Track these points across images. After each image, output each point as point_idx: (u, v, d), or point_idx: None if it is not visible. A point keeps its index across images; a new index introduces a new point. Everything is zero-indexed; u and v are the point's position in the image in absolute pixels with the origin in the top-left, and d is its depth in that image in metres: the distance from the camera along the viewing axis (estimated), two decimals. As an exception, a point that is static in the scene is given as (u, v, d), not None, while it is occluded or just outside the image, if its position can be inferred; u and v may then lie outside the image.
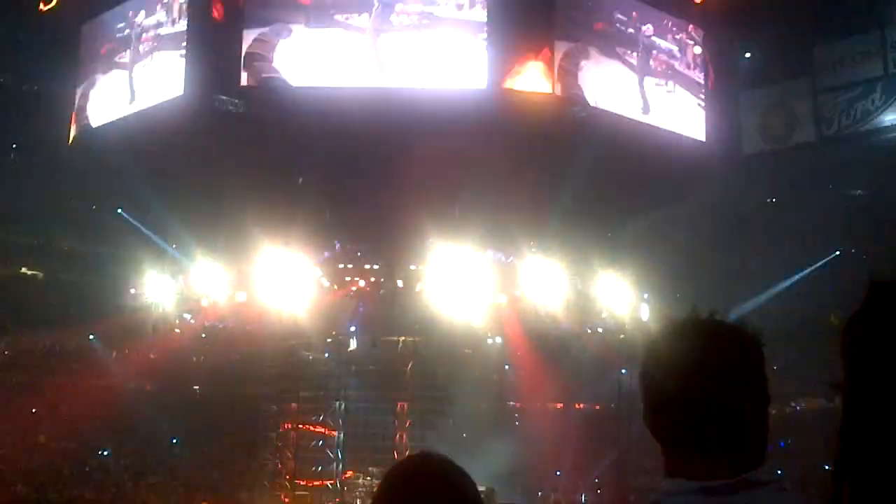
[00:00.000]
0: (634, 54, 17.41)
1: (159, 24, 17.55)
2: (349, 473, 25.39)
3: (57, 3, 19.07)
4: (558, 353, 25.35)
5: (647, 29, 17.66)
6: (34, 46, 21.08)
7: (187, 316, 24.46)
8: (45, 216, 24.35)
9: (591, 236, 23.74)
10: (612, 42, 17.05)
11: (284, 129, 16.64)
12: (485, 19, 16.33)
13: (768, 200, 24.25)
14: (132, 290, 23.92)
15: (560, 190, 18.25)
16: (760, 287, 24.08)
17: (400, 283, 23.36)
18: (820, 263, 24.13)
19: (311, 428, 25.74)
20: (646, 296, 23.49)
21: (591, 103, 16.48)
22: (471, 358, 26.15)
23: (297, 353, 25.77)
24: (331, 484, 25.30)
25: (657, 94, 17.63)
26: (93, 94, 18.43)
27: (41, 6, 19.14)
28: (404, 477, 2.85)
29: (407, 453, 24.22)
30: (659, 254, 22.92)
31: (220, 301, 23.44)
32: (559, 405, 28.01)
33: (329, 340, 25.63)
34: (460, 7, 16.45)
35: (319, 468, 25.52)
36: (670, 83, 17.90)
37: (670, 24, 18.12)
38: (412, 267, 23.09)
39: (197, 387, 27.39)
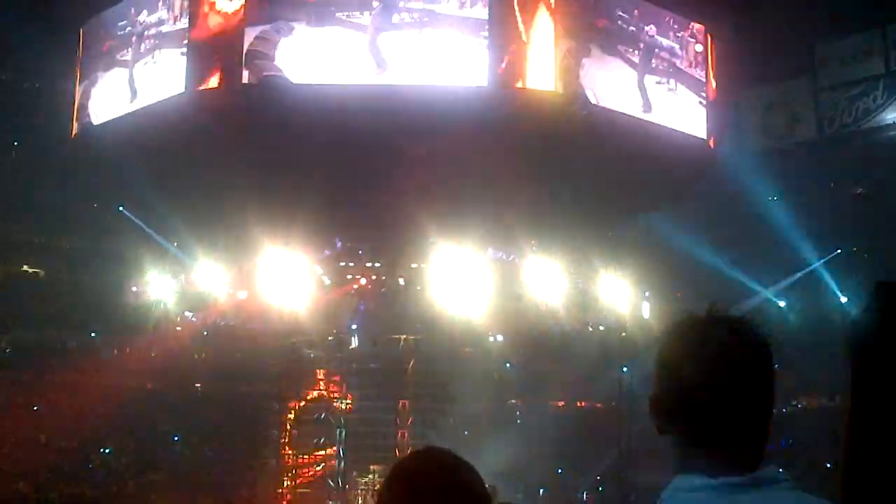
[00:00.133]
0: (636, 52, 17.36)
1: (161, 22, 17.51)
2: (350, 471, 25.42)
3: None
4: (559, 351, 25.35)
5: (650, 27, 17.62)
6: (36, 44, 21.08)
7: (189, 314, 24.46)
8: (47, 214, 24.36)
9: (591, 235, 23.75)
10: (613, 40, 17.01)
11: (285, 127, 16.62)
12: (486, 17, 16.28)
13: (769, 199, 24.24)
14: (133, 288, 23.92)
15: (561, 188, 18.24)
16: (762, 285, 24.11)
17: (401, 282, 23.38)
18: (821, 261, 24.14)
19: (313, 426, 25.76)
20: (646, 294, 23.49)
21: (593, 101, 16.44)
22: (472, 356, 26.17)
23: (298, 351, 25.78)
24: (332, 482, 25.32)
25: (658, 92, 17.59)
26: (94, 91, 18.41)
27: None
28: (411, 472, 2.84)
29: (408, 451, 24.27)
30: (660, 252, 22.94)
31: (222, 299, 23.44)
32: (560, 403, 28.01)
33: (330, 339, 25.65)
34: (462, 5, 16.41)
35: (321, 466, 25.54)
36: (671, 81, 17.86)
37: (672, 21, 18.07)
38: (413, 265, 23.10)
39: (198, 385, 27.39)
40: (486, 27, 16.25)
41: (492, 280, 22.75)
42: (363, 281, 23.75)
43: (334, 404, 25.63)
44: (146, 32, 17.66)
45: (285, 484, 25.53)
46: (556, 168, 17.68)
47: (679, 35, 18.11)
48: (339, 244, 22.79)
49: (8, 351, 25.20)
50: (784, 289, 24.79)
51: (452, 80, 16.52)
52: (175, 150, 17.77)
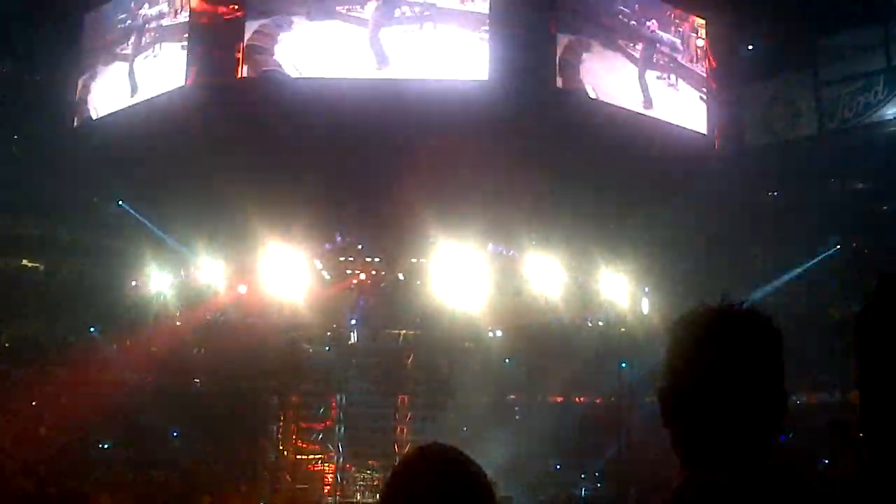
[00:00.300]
0: (637, 47, 17.34)
1: (161, 15, 17.49)
2: (349, 466, 25.42)
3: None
4: (559, 346, 25.34)
5: (651, 22, 17.60)
6: (36, 37, 21.06)
7: (188, 308, 24.44)
8: (46, 207, 24.33)
9: (591, 229, 23.74)
10: (614, 35, 17.00)
11: (285, 121, 16.60)
12: (487, 11, 16.27)
13: (770, 193, 24.22)
14: (133, 282, 23.93)
15: (561, 182, 18.24)
16: (761, 280, 24.06)
17: (401, 277, 23.38)
18: (821, 256, 24.12)
19: (312, 421, 25.76)
20: (646, 289, 23.48)
21: (592, 96, 16.43)
22: (471, 351, 26.17)
23: (297, 346, 25.79)
24: (331, 477, 25.33)
25: (659, 87, 17.60)
26: (94, 85, 18.40)
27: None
28: (417, 467, 2.83)
29: (407, 447, 24.33)
30: (660, 247, 22.92)
31: (221, 294, 23.43)
32: (559, 399, 28.00)
33: (330, 333, 25.68)
34: (464, 0, 16.41)
35: (319, 461, 25.54)
36: (672, 76, 17.86)
37: (673, 16, 18.06)
38: (413, 260, 23.10)
39: (197, 379, 27.37)
40: (487, 21, 16.21)
41: (491, 275, 22.75)
42: (363, 276, 23.75)
43: (333, 399, 25.62)
44: (147, 26, 17.64)
45: (284, 479, 25.52)
46: (555, 162, 17.66)
47: (680, 30, 18.11)
48: (338, 239, 22.79)
49: (7, 345, 25.17)
50: (784, 284, 24.74)
51: (453, 74, 16.50)
52: (174, 144, 17.74)
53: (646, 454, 23.63)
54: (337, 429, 25.41)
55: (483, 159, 17.34)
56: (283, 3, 16.18)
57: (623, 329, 24.18)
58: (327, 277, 23.34)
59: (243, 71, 16.28)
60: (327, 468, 25.54)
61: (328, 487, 25.43)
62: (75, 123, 18.68)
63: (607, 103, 16.72)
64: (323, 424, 25.64)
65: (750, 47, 21.88)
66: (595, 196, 19.28)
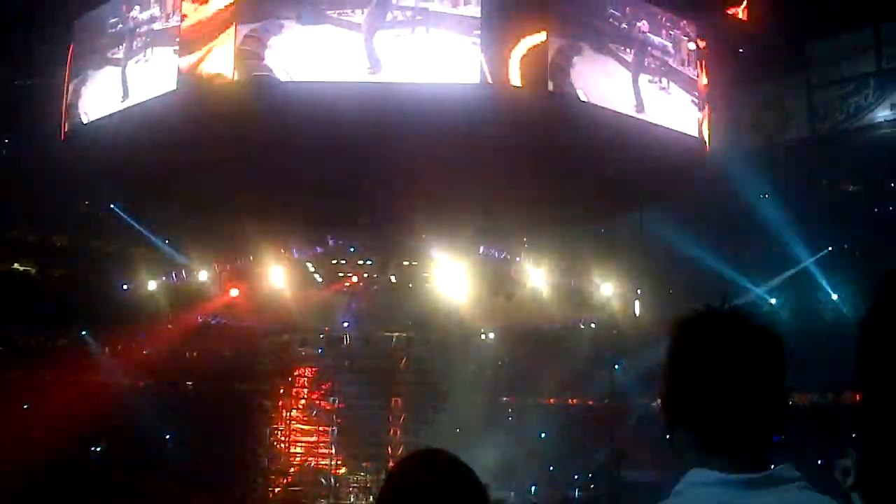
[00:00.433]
0: (629, 51, 17.31)
1: (153, 19, 17.40)
2: (343, 469, 25.41)
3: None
4: (551, 348, 25.40)
5: (642, 25, 17.56)
6: (27, 41, 21.03)
7: (181, 312, 24.44)
8: (38, 212, 24.31)
9: (583, 232, 23.80)
10: (605, 38, 16.94)
11: (276, 125, 16.56)
12: (478, 15, 16.23)
13: (761, 196, 24.26)
14: (125, 286, 23.91)
15: (553, 186, 18.25)
16: (754, 283, 24.12)
17: (393, 279, 23.39)
18: (813, 259, 24.18)
19: (305, 423, 25.76)
20: (639, 292, 23.52)
21: (584, 100, 16.40)
22: (464, 353, 26.19)
23: (290, 349, 25.79)
24: (324, 479, 25.32)
25: (651, 91, 17.54)
26: (85, 90, 18.29)
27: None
28: (410, 472, 2.85)
29: (401, 449, 24.36)
30: (652, 250, 22.96)
31: (214, 297, 23.43)
32: (552, 401, 28.06)
33: (322, 336, 25.67)
34: (455, 3, 16.35)
35: (313, 464, 25.53)
36: (664, 80, 17.80)
37: (664, 19, 18.02)
38: (405, 263, 23.12)
39: (190, 382, 27.36)
40: (479, 24, 16.18)
41: (484, 278, 22.78)
42: (355, 278, 23.76)
43: (326, 402, 25.62)
44: (138, 30, 17.53)
45: (277, 482, 25.52)
46: (547, 165, 17.66)
47: (672, 33, 18.06)
48: (330, 241, 22.79)
49: (-1, 349, 25.19)
50: (776, 286, 24.81)
51: (445, 78, 16.46)
52: (166, 148, 17.68)
53: (638, 457, 23.70)
54: (330, 431, 25.40)
55: (475, 162, 17.33)
56: (274, 7, 16.10)
57: (615, 331, 24.23)
58: (319, 280, 23.35)
59: (234, 75, 16.20)
60: (321, 470, 25.52)
61: (322, 490, 25.42)
62: (66, 128, 18.59)
63: (598, 106, 16.66)
64: (316, 427, 25.63)
65: (741, 50, 21.88)
66: (587, 199, 19.29)
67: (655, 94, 17.65)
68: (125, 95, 17.47)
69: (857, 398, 2.56)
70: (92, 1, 18.42)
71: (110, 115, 17.67)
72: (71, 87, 18.52)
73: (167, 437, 26.67)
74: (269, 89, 16.11)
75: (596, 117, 16.53)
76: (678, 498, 2.56)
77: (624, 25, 17.23)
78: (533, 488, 26.33)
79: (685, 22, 18.24)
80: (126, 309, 23.86)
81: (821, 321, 24.44)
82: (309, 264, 22.89)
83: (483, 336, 26.96)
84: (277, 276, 22.32)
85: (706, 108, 18.43)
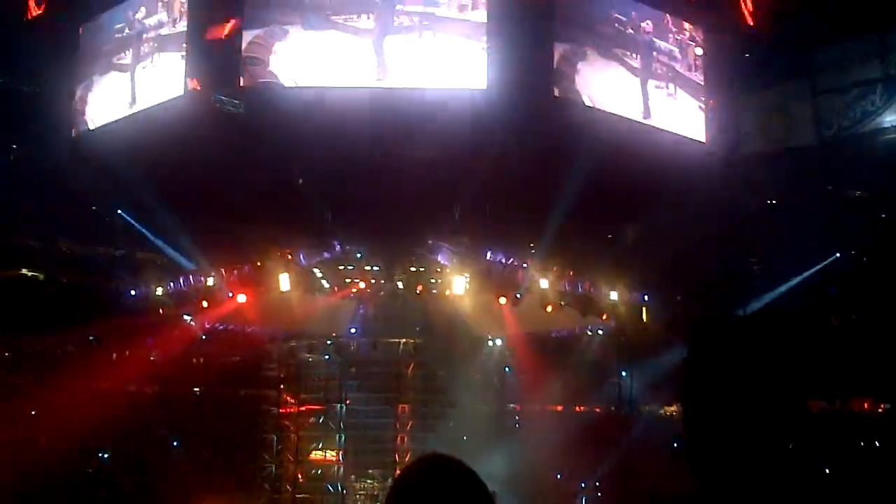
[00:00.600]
0: (635, 56, 17.31)
1: (160, 25, 17.45)
2: (350, 476, 25.39)
3: (44, 9, 18.99)
4: (558, 355, 25.35)
5: (648, 29, 17.57)
6: (34, 47, 21.07)
7: (187, 317, 24.44)
8: (46, 218, 24.32)
9: (591, 238, 23.74)
10: (610, 43, 16.97)
11: (282, 131, 16.58)
12: (485, 20, 16.26)
13: (767, 202, 24.21)
14: (132, 292, 23.90)
15: (559, 191, 18.23)
16: (760, 289, 24.04)
17: (400, 285, 23.36)
18: (820, 266, 24.11)
19: (312, 430, 25.74)
20: (646, 298, 23.45)
21: (589, 105, 16.41)
22: (471, 360, 26.17)
23: (297, 355, 25.79)
24: (331, 486, 25.30)
25: (657, 96, 17.57)
26: (91, 96, 18.35)
27: (30, 13, 19.07)
28: (417, 478, 2.85)
29: (408, 456, 24.34)
30: (659, 256, 22.90)
31: (221, 303, 23.42)
32: (559, 408, 27.98)
33: (329, 342, 25.66)
34: (463, 8, 16.38)
35: (320, 471, 25.51)
36: (671, 86, 17.83)
37: (670, 24, 18.03)
38: (412, 268, 23.09)
39: (197, 389, 27.34)
40: (486, 30, 16.20)
41: (491, 284, 22.73)
42: (362, 284, 23.73)
43: (333, 408, 25.60)
44: (145, 35, 17.59)
45: (284, 488, 25.50)
46: (553, 171, 17.65)
47: (678, 38, 18.08)
48: (337, 247, 22.77)
49: (6, 355, 25.14)
50: (783, 292, 24.72)
51: (452, 83, 16.48)
52: (173, 154, 17.72)
53: (646, 464, 23.62)
54: (337, 438, 25.39)
55: (481, 168, 17.33)
56: (279, 13, 16.14)
57: (623, 338, 24.17)
58: (326, 286, 23.34)
59: (241, 81, 16.24)
60: (328, 477, 25.49)
61: (329, 496, 25.40)
62: (73, 133, 18.64)
63: (604, 112, 16.68)
64: (323, 434, 25.62)
65: (747, 56, 21.86)
66: (593, 204, 19.27)
67: (662, 99, 17.68)
68: (132, 101, 17.54)
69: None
70: (98, 7, 18.47)
71: (117, 120, 17.72)
72: (77, 94, 18.56)
73: (174, 443, 26.62)
74: (275, 95, 16.15)
75: (602, 123, 16.55)
76: None
77: (630, 31, 17.25)
78: (540, 496, 26.26)
79: (692, 27, 18.24)
80: (133, 315, 23.84)
81: (827, 327, 24.35)
82: (316, 270, 22.86)
83: (490, 342, 26.92)
84: (284, 281, 22.29)
85: (713, 113, 18.42)
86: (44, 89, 22.35)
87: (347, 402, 25.50)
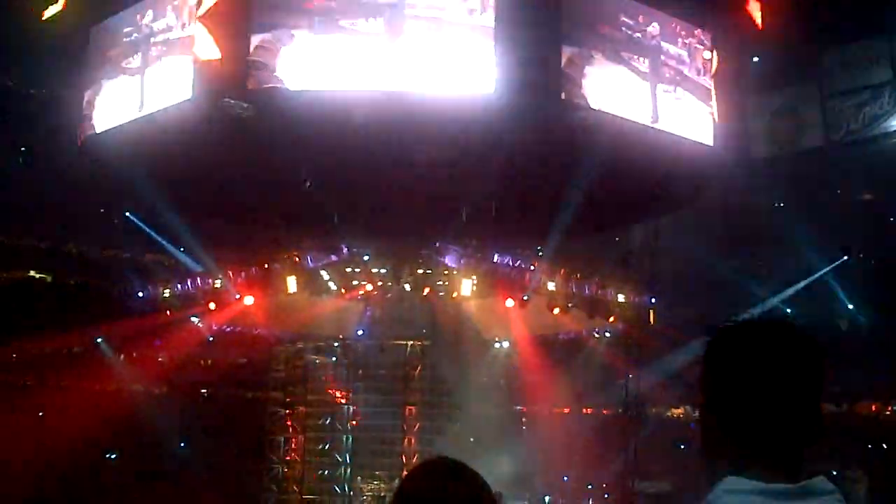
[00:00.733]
0: (642, 60, 17.26)
1: (168, 28, 17.42)
2: (357, 477, 25.41)
3: (59, 10, 19.00)
4: (565, 357, 25.37)
5: (655, 33, 17.52)
6: (43, 50, 21.11)
7: (195, 319, 24.47)
8: (54, 220, 24.39)
9: (598, 240, 23.76)
10: (617, 47, 16.92)
11: (289, 134, 16.57)
12: (493, 24, 16.22)
13: (776, 205, 24.19)
14: (140, 294, 23.94)
15: (567, 193, 18.22)
16: (768, 292, 24.04)
17: (407, 287, 23.37)
18: (828, 268, 24.09)
19: (319, 431, 25.76)
20: (653, 300, 23.44)
21: (596, 108, 16.38)
22: (478, 362, 26.19)
23: (304, 357, 25.81)
24: (338, 488, 25.32)
25: (665, 100, 17.52)
26: (99, 100, 18.31)
27: (42, 14, 19.07)
28: (421, 483, 2.87)
29: (415, 458, 24.36)
30: (666, 258, 22.90)
31: (228, 304, 23.45)
32: (566, 410, 28.00)
33: (336, 344, 25.69)
34: (471, 12, 16.33)
35: (327, 472, 25.53)
36: (679, 89, 17.77)
37: (678, 28, 17.97)
38: (419, 271, 23.10)
39: (204, 390, 27.40)
40: (494, 34, 16.17)
41: (498, 286, 22.75)
42: (369, 286, 23.75)
43: (341, 410, 25.63)
44: (153, 39, 17.56)
45: (291, 489, 25.52)
46: (561, 174, 17.64)
47: (686, 42, 18.03)
48: (344, 250, 22.79)
49: (14, 356, 25.21)
50: (791, 296, 24.71)
51: (459, 87, 16.47)
52: (181, 156, 17.71)
53: (653, 467, 23.64)
54: (344, 439, 25.41)
55: (489, 171, 17.31)
56: (286, 18, 16.11)
57: (630, 340, 24.17)
58: (334, 288, 23.35)
59: (248, 84, 16.22)
60: (335, 479, 25.52)
61: (336, 498, 25.42)
62: (82, 136, 18.64)
63: (611, 115, 16.64)
64: (330, 434, 25.65)
65: (755, 59, 21.83)
66: (601, 206, 19.27)
67: (670, 103, 17.63)
68: (141, 105, 17.50)
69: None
70: (106, 11, 18.45)
71: (125, 123, 17.71)
72: (85, 97, 18.55)
73: (181, 444, 26.69)
74: (281, 99, 16.13)
75: (608, 126, 16.51)
76: None
77: (637, 34, 17.20)
78: (547, 498, 26.27)
79: (700, 30, 18.19)
80: (141, 316, 23.90)
81: (836, 330, 24.32)
82: (323, 272, 22.88)
83: (497, 345, 26.94)
84: (292, 283, 22.32)
85: (721, 117, 18.38)
86: (52, 92, 22.42)
87: (354, 403, 25.52)
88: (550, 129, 16.76)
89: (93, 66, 18.64)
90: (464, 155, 17.10)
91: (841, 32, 21.36)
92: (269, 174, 18.36)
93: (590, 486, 27.31)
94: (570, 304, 22.91)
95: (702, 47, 18.23)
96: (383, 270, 23.39)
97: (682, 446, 25.08)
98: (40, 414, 24.59)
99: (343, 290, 23.57)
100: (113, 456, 26.14)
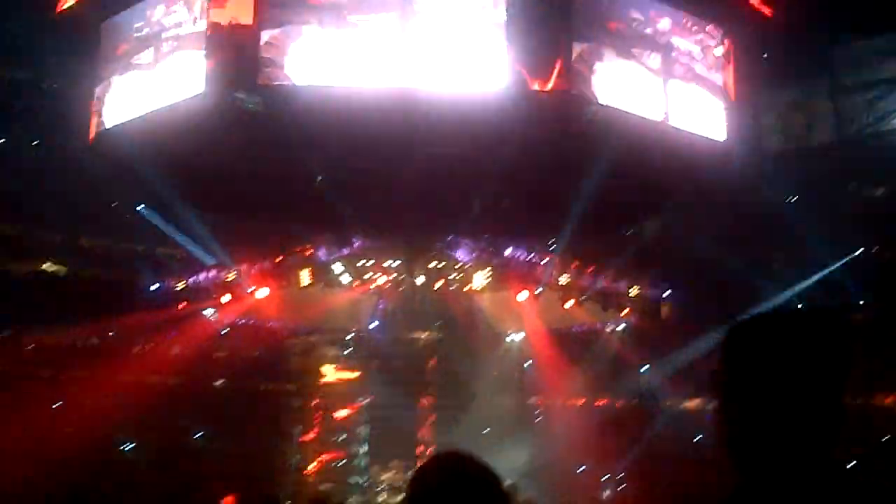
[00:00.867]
0: (653, 56, 17.20)
1: (179, 23, 17.43)
2: (371, 469, 25.51)
3: (75, 3, 19.04)
4: (578, 350, 25.35)
5: (666, 29, 17.45)
6: (55, 44, 21.18)
7: (208, 312, 24.52)
8: (67, 213, 24.48)
9: (611, 234, 23.71)
10: (627, 43, 16.87)
11: (299, 130, 16.59)
12: (504, 20, 16.21)
13: (788, 200, 24.08)
14: (153, 287, 24.02)
15: (580, 187, 18.20)
16: (780, 286, 23.93)
17: (420, 280, 23.38)
18: (840, 263, 23.97)
19: (334, 423, 25.86)
20: (667, 294, 23.39)
21: (606, 104, 16.35)
22: (491, 355, 26.22)
23: (319, 349, 25.89)
24: (353, 480, 25.42)
25: (677, 96, 17.47)
26: (110, 96, 18.36)
27: (58, 6, 19.12)
28: (433, 476, 2.89)
29: (430, 449, 24.44)
30: (679, 251, 22.85)
31: (241, 297, 23.49)
32: (581, 402, 27.99)
33: (350, 337, 25.75)
34: (484, 8, 16.33)
35: (342, 464, 25.63)
36: (691, 85, 17.72)
37: (690, 23, 17.89)
38: (432, 263, 23.11)
39: (219, 382, 27.48)
40: (506, 29, 16.17)
41: (510, 279, 22.74)
42: (383, 279, 23.76)
43: (355, 402, 25.71)
44: (165, 34, 17.57)
45: (306, 481, 25.62)
46: (573, 170, 17.62)
47: (698, 38, 17.96)
48: (357, 243, 22.80)
49: (30, 348, 25.34)
50: (804, 290, 24.58)
51: (470, 82, 16.47)
52: (193, 150, 17.77)
53: (667, 458, 23.61)
54: (359, 432, 25.51)
55: (500, 166, 17.30)
56: (295, 13, 16.11)
57: (643, 333, 24.13)
58: (347, 281, 23.36)
59: (259, 80, 16.25)
60: (350, 470, 25.62)
61: (352, 489, 25.53)
62: (94, 130, 18.70)
63: (621, 110, 16.62)
64: (345, 427, 25.73)
65: (766, 54, 21.73)
66: (613, 200, 19.23)
67: (682, 99, 17.58)
68: (152, 99, 17.54)
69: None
70: (117, 5, 18.47)
71: (137, 118, 17.76)
72: (96, 93, 18.60)
73: (196, 436, 26.79)
74: (292, 94, 16.16)
75: (619, 121, 16.49)
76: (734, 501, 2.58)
77: (648, 30, 17.14)
78: (561, 489, 26.27)
79: (711, 26, 18.12)
80: (155, 309, 23.97)
81: (850, 324, 24.19)
82: (336, 265, 22.89)
83: (510, 337, 26.94)
84: (305, 276, 22.35)
85: (732, 112, 18.31)
86: (63, 86, 22.49)
87: (369, 396, 25.60)
88: (561, 125, 16.75)
89: (104, 61, 18.68)
90: (475, 150, 17.09)
91: (853, 27, 21.26)
92: (281, 169, 18.38)
93: (605, 478, 27.30)
94: (582, 298, 22.87)
95: (713, 43, 18.16)
96: (397, 263, 23.39)
97: (697, 438, 25.04)
98: (55, 406, 24.68)
99: (356, 284, 23.58)
100: (128, 447, 26.24)
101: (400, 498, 23.70)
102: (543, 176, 18.44)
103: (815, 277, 24.19)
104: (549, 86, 16.24)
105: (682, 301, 23.26)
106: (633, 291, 23.11)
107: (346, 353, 25.93)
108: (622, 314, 23.81)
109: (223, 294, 23.29)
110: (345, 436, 25.71)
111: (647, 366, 24.64)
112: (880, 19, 20.91)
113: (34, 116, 23.57)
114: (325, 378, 26.01)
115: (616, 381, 26.05)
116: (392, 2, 16.13)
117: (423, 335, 25.47)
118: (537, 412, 28.23)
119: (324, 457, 25.83)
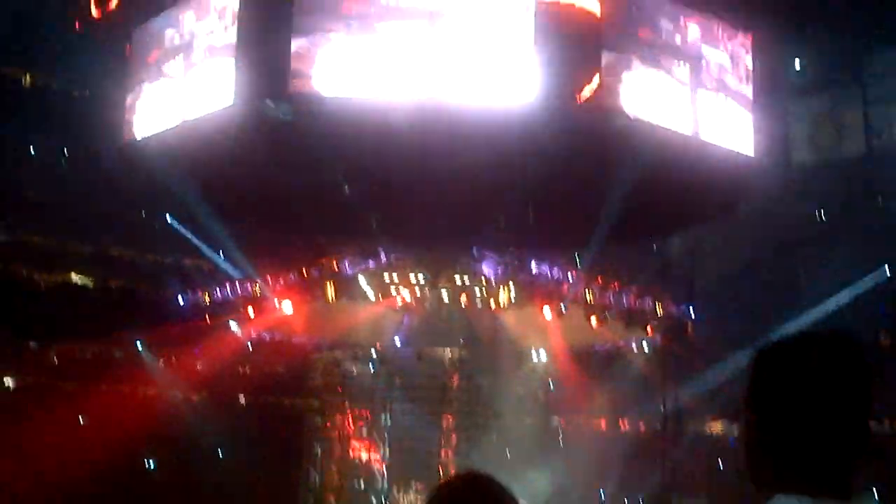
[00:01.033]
0: (683, 66, 17.14)
1: (210, 31, 17.48)
2: (394, 487, 25.39)
3: (114, 8, 19.15)
4: (603, 369, 25.22)
5: (696, 39, 17.40)
6: (86, 52, 21.30)
7: (234, 326, 24.51)
8: (95, 224, 24.58)
9: (636, 249, 23.62)
10: (656, 52, 16.82)
11: (327, 141, 16.61)
12: (532, 30, 16.21)
13: (816, 212, 23.95)
14: (180, 299, 24.06)
15: (605, 203, 18.15)
16: (809, 303, 23.77)
17: (445, 296, 23.32)
18: (869, 278, 23.80)
19: (356, 441, 25.76)
20: (691, 311, 23.25)
21: (632, 116, 16.29)
22: (515, 372, 26.10)
23: (342, 366, 25.83)
24: (375, 498, 25.30)
25: (705, 108, 17.41)
26: (140, 104, 18.44)
27: (93, 12, 19.23)
28: (452, 497, 2.86)
29: (452, 469, 24.29)
30: (705, 268, 22.74)
31: (267, 311, 23.49)
32: (603, 424, 27.82)
33: (374, 353, 25.68)
34: (511, 19, 16.34)
35: (363, 481, 25.52)
36: (720, 95, 17.65)
37: (721, 33, 17.81)
38: (457, 280, 23.05)
39: (243, 397, 27.46)
40: (533, 40, 16.16)
41: (535, 295, 22.66)
42: (407, 295, 23.71)
43: (377, 419, 25.62)
44: (195, 42, 17.63)
45: (328, 499, 25.53)
46: (599, 183, 17.58)
47: (728, 48, 17.89)
48: (383, 257, 22.78)
49: (55, 359, 25.41)
50: (831, 308, 24.42)
51: (497, 95, 16.47)
52: (223, 162, 17.83)
53: (690, 482, 23.42)
54: (381, 449, 25.41)
55: (528, 179, 17.28)
56: (322, 22, 16.13)
57: (668, 353, 23.99)
58: (371, 296, 23.33)
59: (288, 89, 16.28)
60: (372, 488, 25.50)
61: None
62: (124, 140, 18.78)
63: (649, 123, 16.56)
64: (367, 444, 25.64)
65: (796, 64, 21.67)
66: (639, 216, 19.17)
67: (710, 111, 17.52)
68: (182, 108, 17.59)
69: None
70: (148, 12, 18.57)
71: (167, 129, 17.82)
72: (127, 101, 18.68)
73: (218, 450, 26.76)
74: (319, 105, 16.17)
75: (647, 134, 16.43)
76: None
77: (677, 39, 17.09)
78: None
79: (742, 35, 18.04)
80: (180, 322, 24.00)
81: (878, 345, 23.99)
82: (361, 279, 22.87)
83: (534, 355, 26.81)
84: (330, 290, 22.34)
85: (761, 124, 18.24)
86: (94, 94, 22.61)
87: (392, 412, 25.50)
88: (591, 139, 16.70)
89: (134, 69, 18.77)
90: (503, 163, 17.06)
91: (882, 37, 21.17)
92: (307, 180, 18.41)
93: (626, 501, 27.09)
94: (607, 315, 22.76)
95: (743, 52, 18.07)
96: (422, 278, 23.34)
97: (721, 462, 24.85)
98: (79, 418, 24.71)
99: (381, 298, 23.53)
100: (152, 462, 26.23)
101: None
102: (570, 189, 18.41)
103: (844, 294, 24.01)
104: (581, 98, 16.21)
105: (708, 319, 23.10)
106: (659, 309, 22.98)
107: (369, 368, 25.83)
108: (648, 332, 23.65)
109: (249, 307, 23.29)
110: (366, 455, 25.59)
111: (672, 387, 24.45)
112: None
113: (64, 125, 23.67)
114: (347, 395, 25.92)
115: (640, 402, 25.88)
116: (420, 10, 16.15)
117: (447, 351, 25.34)
118: (561, 434, 28.07)
119: (344, 476, 25.70)
